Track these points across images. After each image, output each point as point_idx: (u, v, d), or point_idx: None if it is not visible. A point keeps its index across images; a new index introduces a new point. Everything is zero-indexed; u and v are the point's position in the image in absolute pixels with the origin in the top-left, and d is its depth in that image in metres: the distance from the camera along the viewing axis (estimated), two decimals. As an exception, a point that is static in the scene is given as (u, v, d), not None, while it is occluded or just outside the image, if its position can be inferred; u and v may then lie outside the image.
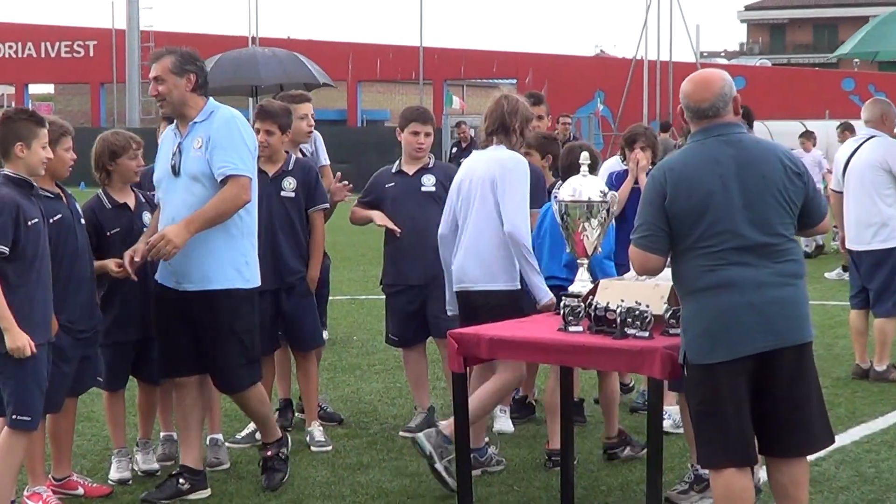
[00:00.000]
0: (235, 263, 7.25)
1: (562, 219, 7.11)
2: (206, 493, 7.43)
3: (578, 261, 7.13)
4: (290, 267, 8.51)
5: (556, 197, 7.21)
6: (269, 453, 7.66)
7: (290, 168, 8.57)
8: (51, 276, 6.77)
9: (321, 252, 8.74)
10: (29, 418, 6.62)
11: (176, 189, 7.24)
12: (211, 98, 7.33)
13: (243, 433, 8.62)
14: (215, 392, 7.90)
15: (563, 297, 6.68)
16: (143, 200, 7.78)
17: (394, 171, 8.99)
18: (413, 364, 9.08)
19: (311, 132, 9.33)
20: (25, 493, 7.19)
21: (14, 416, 6.58)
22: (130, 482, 7.69)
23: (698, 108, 5.90)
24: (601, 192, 7.08)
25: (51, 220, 6.89)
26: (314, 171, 8.79)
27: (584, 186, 7.08)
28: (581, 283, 7.05)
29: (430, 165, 8.93)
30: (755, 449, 5.89)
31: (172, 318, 7.35)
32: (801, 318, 5.82)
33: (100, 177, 7.71)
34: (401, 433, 8.82)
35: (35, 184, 6.77)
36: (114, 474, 7.75)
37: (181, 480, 7.36)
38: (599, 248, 7.16)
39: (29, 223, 6.60)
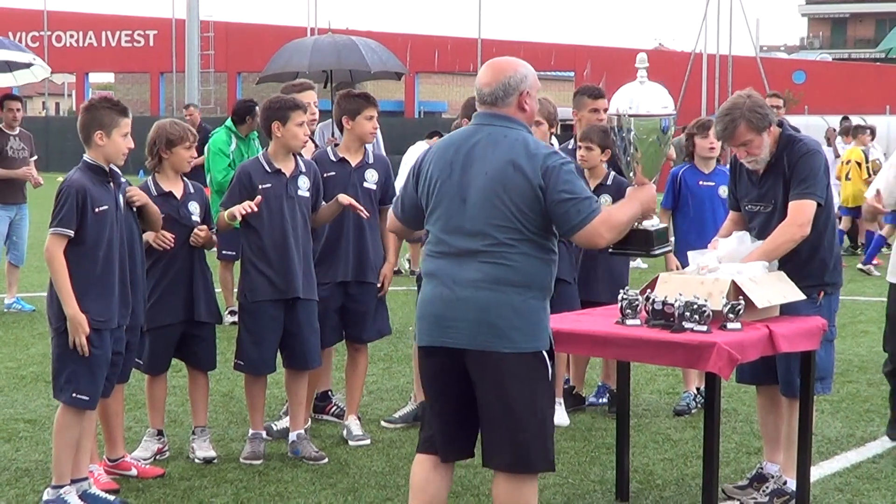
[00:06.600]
0: None
1: (621, 136, 6.14)
2: None
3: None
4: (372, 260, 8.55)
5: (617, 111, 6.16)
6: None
7: (370, 161, 8.47)
8: (124, 262, 6.81)
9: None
10: (87, 398, 6.71)
11: None
12: None
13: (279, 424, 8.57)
14: (297, 387, 8.08)
15: (622, 292, 6.59)
16: (192, 190, 7.86)
17: None
18: None
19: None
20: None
21: (74, 395, 6.66)
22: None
23: (480, 93, 5.65)
24: (663, 106, 6.17)
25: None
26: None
27: (642, 97, 6.21)
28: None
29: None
30: (450, 444, 5.71)
31: None
32: (494, 324, 5.45)
33: (151, 163, 7.79)
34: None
35: (108, 171, 6.81)
36: (137, 452, 7.83)
37: None
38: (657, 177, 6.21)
39: (97, 209, 6.67)
